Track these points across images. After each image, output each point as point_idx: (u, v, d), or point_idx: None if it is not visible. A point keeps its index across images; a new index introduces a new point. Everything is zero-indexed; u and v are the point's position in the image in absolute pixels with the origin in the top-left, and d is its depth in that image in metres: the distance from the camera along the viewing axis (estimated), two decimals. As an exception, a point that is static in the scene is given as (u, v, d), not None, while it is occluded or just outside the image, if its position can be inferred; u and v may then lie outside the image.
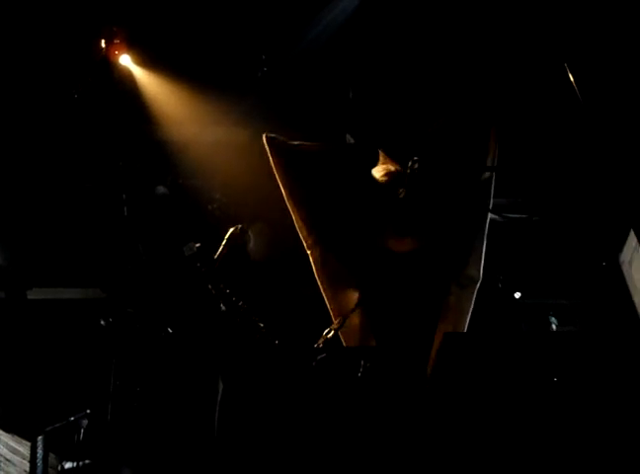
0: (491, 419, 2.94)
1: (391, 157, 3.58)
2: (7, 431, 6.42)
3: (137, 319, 6.29)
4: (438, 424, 2.87)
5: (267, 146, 3.84)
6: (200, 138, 5.42)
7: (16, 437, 6.53)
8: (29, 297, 6.43)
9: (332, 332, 3.24)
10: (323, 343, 3.19)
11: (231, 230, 3.50)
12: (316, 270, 3.71)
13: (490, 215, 3.42)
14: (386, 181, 3.46)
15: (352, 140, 5.10)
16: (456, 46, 4.67)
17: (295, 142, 3.92)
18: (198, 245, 5.72)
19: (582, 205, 4.92)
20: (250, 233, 6.14)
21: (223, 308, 3.36)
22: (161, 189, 5.73)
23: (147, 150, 5.53)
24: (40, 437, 6.50)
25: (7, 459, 6.39)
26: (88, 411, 5.77)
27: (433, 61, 4.66)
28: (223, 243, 3.43)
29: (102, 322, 5.96)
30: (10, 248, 6.00)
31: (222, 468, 4.56)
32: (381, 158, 3.62)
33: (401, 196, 3.28)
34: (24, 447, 6.51)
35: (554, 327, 4.55)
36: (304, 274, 4.02)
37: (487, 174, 3.46)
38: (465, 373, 2.89)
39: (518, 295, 4.60)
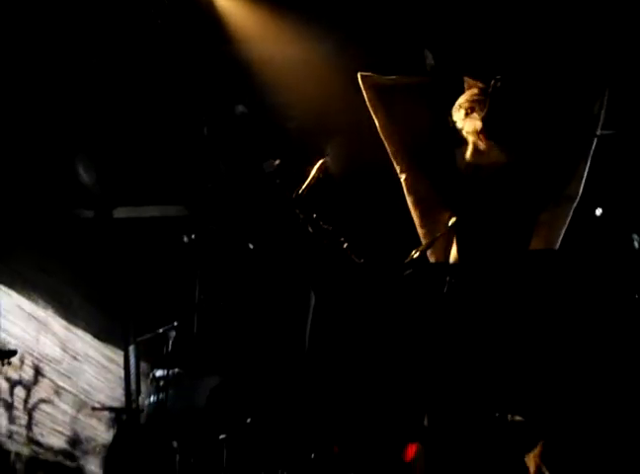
0: (573, 336, 3.00)
1: (476, 79, 3.59)
2: (102, 341, 6.84)
3: (219, 235, 6.52)
4: (521, 338, 2.95)
5: (362, 85, 3.94)
6: (278, 56, 5.43)
7: (111, 347, 6.96)
8: (115, 216, 6.71)
9: (419, 253, 3.32)
10: (410, 262, 3.28)
11: (320, 161, 3.56)
12: (407, 193, 3.82)
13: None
14: (469, 105, 3.48)
15: (430, 57, 5.07)
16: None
17: (388, 78, 4.00)
18: (277, 162, 5.85)
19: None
20: (329, 148, 6.25)
21: (310, 231, 3.45)
22: (240, 108, 5.82)
23: (226, 70, 5.59)
24: (131, 347, 6.91)
25: (104, 367, 6.82)
26: (175, 323, 6.08)
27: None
28: (312, 174, 3.49)
29: (185, 239, 6.19)
30: (96, 169, 6.21)
31: (311, 383, 4.76)
32: (467, 85, 3.63)
33: (484, 112, 3.29)
34: (118, 356, 6.95)
35: (637, 245, 4.53)
36: (387, 192, 4.11)
37: (598, 97, 3.41)
38: (551, 292, 2.94)
39: (599, 212, 4.57)
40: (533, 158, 3.23)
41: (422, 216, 3.67)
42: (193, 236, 6.11)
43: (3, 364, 4.33)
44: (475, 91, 3.39)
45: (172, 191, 6.49)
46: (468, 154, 3.37)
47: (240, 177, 6.02)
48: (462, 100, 3.42)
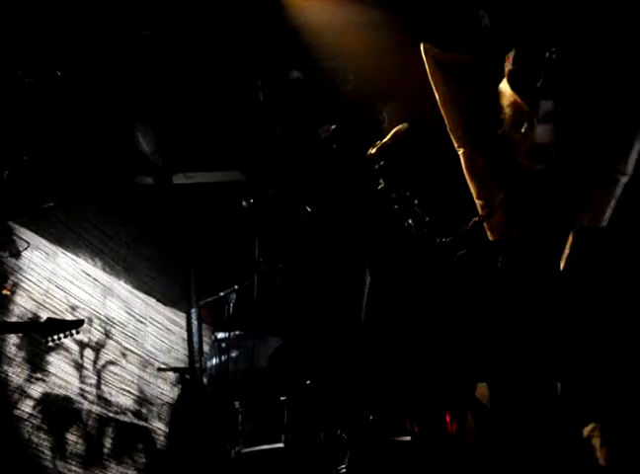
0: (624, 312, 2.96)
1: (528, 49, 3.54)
2: (165, 304, 7.03)
3: (277, 199, 6.58)
4: (569, 315, 2.93)
5: (424, 56, 3.95)
6: (333, 20, 5.41)
7: (173, 310, 7.16)
8: (174, 182, 6.84)
9: (475, 223, 3.33)
10: (469, 230, 3.29)
11: (398, 127, 3.56)
12: (465, 166, 3.84)
13: None
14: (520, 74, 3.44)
15: (486, 18, 4.97)
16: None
17: (449, 54, 4.00)
18: (333, 127, 5.85)
19: None
20: (384, 112, 6.21)
21: (381, 186, 3.45)
22: (295, 73, 5.82)
23: (281, 35, 5.58)
24: (193, 310, 7.10)
25: (167, 329, 7.03)
26: (236, 287, 6.20)
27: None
28: (388, 136, 3.50)
29: (244, 203, 6.27)
30: (156, 137, 6.32)
31: (368, 345, 4.82)
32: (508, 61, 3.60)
33: (538, 85, 3.25)
34: (181, 319, 7.15)
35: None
36: (443, 158, 4.12)
37: None
38: (600, 269, 2.90)
39: None
40: (585, 134, 3.19)
41: (478, 189, 3.69)
42: (251, 200, 6.19)
43: (72, 334, 4.49)
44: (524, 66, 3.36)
45: (229, 157, 6.57)
46: (522, 131, 3.35)
47: (296, 142, 6.05)
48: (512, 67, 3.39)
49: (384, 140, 3.55)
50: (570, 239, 3.03)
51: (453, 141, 3.96)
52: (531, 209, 3.37)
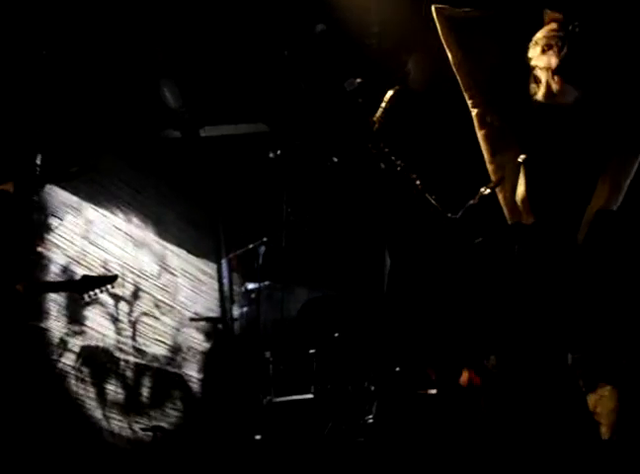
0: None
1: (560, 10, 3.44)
2: (196, 256, 7.17)
3: (304, 150, 6.60)
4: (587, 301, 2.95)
5: (435, 18, 3.81)
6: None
7: (204, 261, 7.30)
8: (202, 135, 6.87)
9: (488, 190, 3.32)
10: (479, 199, 3.29)
11: (390, 93, 3.51)
12: (478, 128, 3.77)
13: None
14: (546, 42, 3.34)
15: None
16: None
17: (461, 10, 3.86)
18: (359, 80, 5.81)
19: None
20: (409, 64, 6.14)
21: (383, 166, 3.47)
22: (320, 26, 5.75)
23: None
24: (223, 260, 7.23)
25: (199, 280, 7.19)
26: (265, 239, 6.30)
27: None
28: (382, 106, 3.45)
29: (271, 154, 6.30)
30: (182, 91, 6.33)
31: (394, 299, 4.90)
32: (547, 18, 3.47)
33: (561, 55, 3.18)
34: (211, 269, 7.29)
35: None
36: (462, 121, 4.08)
37: None
38: (614, 254, 2.91)
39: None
40: (606, 104, 3.13)
41: (491, 152, 3.64)
42: (278, 152, 6.22)
43: (108, 289, 4.63)
44: (554, 26, 3.27)
45: (254, 109, 6.57)
46: (540, 94, 3.28)
47: (322, 95, 6.02)
48: (540, 35, 3.30)
49: (378, 113, 3.50)
50: (587, 218, 3.01)
51: (467, 101, 3.88)
52: (547, 172, 3.32)
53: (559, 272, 2.86)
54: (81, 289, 4.64)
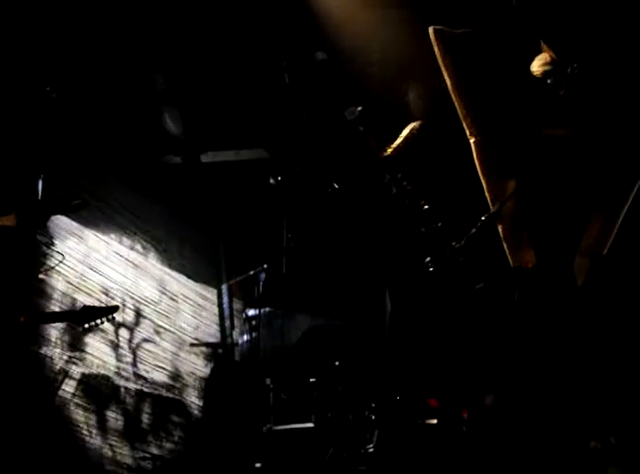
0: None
1: (553, 48, 3.45)
2: (197, 281, 7.18)
3: (304, 176, 6.62)
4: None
5: (433, 39, 3.79)
6: (354, 3, 5.36)
7: (204, 287, 7.30)
8: (203, 161, 6.90)
9: (488, 218, 3.32)
10: (480, 228, 3.27)
11: (411, 125, 3.50)
12: (477, 157, 3.76)
13: None
14: (544, 72, 3.35)
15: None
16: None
17: (460, 31, 3.84)
18: (360, 108, 5.84)
19: None
20: (410, 93, 6.17)
21: (394, 191, 3.47)
22: (320, 54, 5.80)
23: (304, 17, 5.55)
24: (224, 286, 7.23)
25: (199, 305, 7.19)
26: (265, 266, 6.30)
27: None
28: (402, 135, 3.44)
29: (271, 180, 6.32)
30: (183, 117, 6.36)
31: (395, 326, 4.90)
32: (543, 48, 3.49)
33: (561, 93, 3.19)
34: (212, 295, 7.29)
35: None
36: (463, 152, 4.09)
37: None
38: (610, 302, 2.90)
39: None
40: (603, 139, 3.13)
41: (490, 181, 3.63)
42: (279, 178, 6.24)
43: (108, 320, 4.64)
44: (547, 59, 3.29)
45: (254, 135, 6.61)
46: (541, 121, 3.30)
47: (322, 124, 6.05)
48: (535, 66, 3.33)
49: (398, 141, 3.50)
50: (579, 261, 2.99)
51: (466, 130, 3.87)
52: (541, 202, 3.31)
53: (559, 318, 2.86)
54: (82, 320, 4.65)
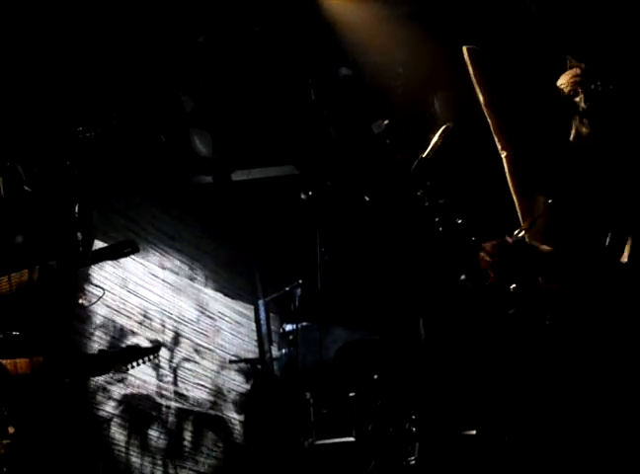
0: None
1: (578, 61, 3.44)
2: (233, 299, 7.25)
3: (335, 190, 6.65)
4: None
5: (466, 58, 3.83)
6: (379, 15, 5.39)
7: (241, 304, 7.37)
8: (233, 179, 6.98)
9: (521, 233, 3.31)
10: (513, 241, 3.26)
11: (442, 128, 3.47)
12: (508, 171, 3.76)
13: None
14: (570, 88, 3.34)
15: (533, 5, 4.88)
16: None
17: (490, 49, 3.90)
18: (386, 122, 5.87)
19: None
20: (436, 102, 6.18)
21: (426, 204, 3.46)
22: (344, 70, 5.84)
23: (327, 32, 5.59)
24: (260, 302, 7.29)
25: (237, 322, 7.26)
26: (300, 281, 6.35)
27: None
28: (434, 140, 3.41)
29: (302, 196, 6.37)
30: (212, 137, 6.44)
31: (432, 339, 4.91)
32: (569, 63, 3.48)
33: (581, 107, 3.18)
34: (249, 311, 7.36)
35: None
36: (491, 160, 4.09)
37: None
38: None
39: None
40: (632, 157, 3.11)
41: (521, 196, 3.62)
42: (310, 193, 6.28)
43: (151, 360, 4.68)
44: (577, 71, 3.28)
45: (284, 152, 6.66)
46: (571, 136, 3.29)
47: (350, 139, 6.09)
48: (563, 81, 3.32)
49: (429, 149, 3.48)
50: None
51: (497, 144, 3.88)
52: (572, 218, 3.30)
53: (594, 340, 2.84)
54: (125, 361, 4.70)
